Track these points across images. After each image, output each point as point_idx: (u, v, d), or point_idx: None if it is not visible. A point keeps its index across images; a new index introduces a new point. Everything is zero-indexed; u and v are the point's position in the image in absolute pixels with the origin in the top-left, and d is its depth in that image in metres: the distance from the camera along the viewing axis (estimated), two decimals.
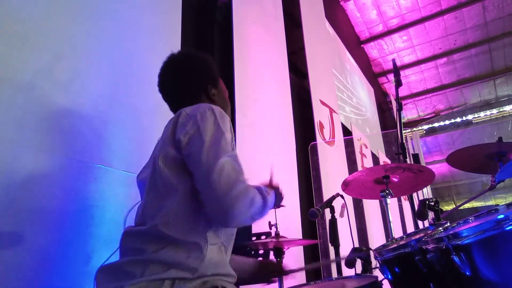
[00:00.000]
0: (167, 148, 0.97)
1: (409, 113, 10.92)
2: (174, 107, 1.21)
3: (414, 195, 2.33)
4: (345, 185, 1.86)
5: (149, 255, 0.87)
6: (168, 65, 1.21)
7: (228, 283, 0.94)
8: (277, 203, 1.15)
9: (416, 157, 2.55)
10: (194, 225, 0.91)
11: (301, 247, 2.96)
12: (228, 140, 0.97)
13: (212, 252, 0.92)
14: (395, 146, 2.21)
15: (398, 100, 2.17)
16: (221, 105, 1.22)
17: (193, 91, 1.18)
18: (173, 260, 0.86)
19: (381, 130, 7.76)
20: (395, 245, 1.28)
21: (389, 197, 1.77)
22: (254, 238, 1.74)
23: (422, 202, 1.43)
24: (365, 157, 5.34)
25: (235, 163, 0.93)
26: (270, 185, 1.14)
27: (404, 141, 2.13)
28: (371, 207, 4.85)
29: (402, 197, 6.13)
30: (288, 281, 1.74)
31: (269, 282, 1.37)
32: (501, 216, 0.88)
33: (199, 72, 1.21)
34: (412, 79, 9.62)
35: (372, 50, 8.80)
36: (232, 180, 0.88)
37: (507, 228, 0.85)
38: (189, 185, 0.94)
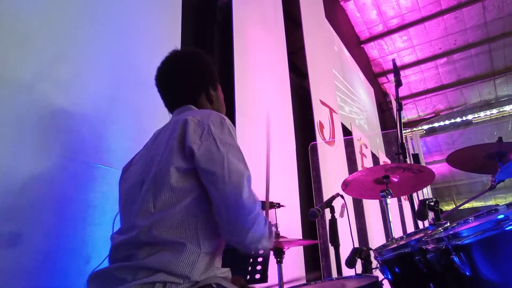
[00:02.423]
0: (177, 157, 0.94)
1: (409, 113, 10.92)
2: (170, 103, 1.18)
3: (414, 195, 2.33)
4: (345, 185, 1.86)
5: (139, 261, 0.87)
6: (172, 59, 1.18)
7: (221, 279, 0.94)
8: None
9: (416, 157, 2.55)
10: (190, 232, 0.91)
11: (301, 247, 2.96)
12: (243, 156, 0.98)
13: (204, 260, 0.91)
14: (395, 146, 2.21)
15: (398, 100, 2.17)
16: (218, 108, 1.22)
17: (194, 89, 1.17)
18: (163, 265, 0.85)
19: (381, 130, 7.76)
20: (395, 245, 1.28)
21: (389, 197, 1.77)
22: None
23: (422, 202, 1.43)
24: (365, 157, 5.34)
25: (250, 183, 0.94)
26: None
27: (404, 141, 2.13)
28: (371, 207, 4.85)
29: (402, 197, 6.13)
30: (288, 281, 1.75)
31: None
32: (501, 216, 0.88)
33: (203, 71, 1.19)
34: (412, 79, 9.62)
35: (372, 50, 8.79)
36: (253, 201, 0.92)
37: (507, 228, 0.86)
38: (194, 196, 0.93)
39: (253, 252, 1.59)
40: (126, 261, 0.89)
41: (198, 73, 1.18)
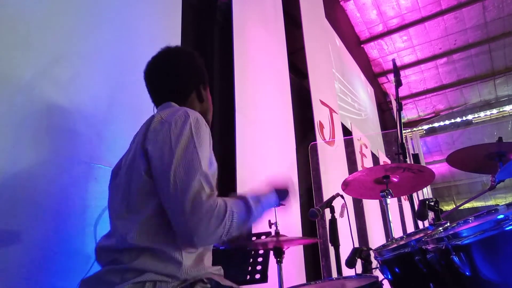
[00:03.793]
0: (140, 159, 0.92)
1: (409, 113, 10.91)
2: (158, 100, 1.17)
3: (414, 195, 2.33)
4: (345, 185, 1.86)
5: (126, 265, 0.86)
6: (166, 55, 1.18)
7: (213, 275, 0.94)
8: (283, 199, 1.18)
9: (416, 157, 2.55)
10: (164, 236, 0.89)
11: (301, 247, 2.96)
12: (201, 155, 0.90)
13: (189, 259, 0.90)
14: (395, 146, 2.21)
15: (398, 100, 2.17)
16: (207, 108, 1.22)
17: (185, 87, 1.16)
18: (149, 267, 0.85)
19: (381, 130, 7.76)
20: (395, 245, 1.28)
21: (389, 197, 1.77)
22: (254, 238, 1.74)
23: (422, 202, 1.43)
24: (365, 157, 5.33)
25: (205, 182, 0.87)
26: (275, 184, 1.14)
27: (404, 141, 2.13)
28: (371, 207, 4.85)
29: (402, 197, 6.13)
30: (288, 281, 1.75)
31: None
32: (501, 216, 0.88)
33: (197, 69, 1.20)
34: (412, 79, 9.61)
35: (372, 50, 8.79)
36: (198, 202, 0.83)
37: (507, 228, 0.85)
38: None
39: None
40: (113, 264, 0.89)
41: (193, 70, 1.18)
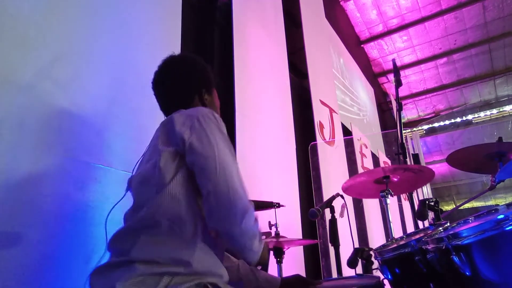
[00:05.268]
0: (165, 147, 0.96)
1: (409, 113, 10.92)
2: (165, 107, 1.22)
3: (414, 195, 2.33)
4: (345, 189, 1.87)
5: (137, 251, 0.88)
6: (166, 63, 1.23)
7: (219, 280, 0.94)
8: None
9: (416, 157, 2.55)
10: (189, 223, 0.92)
11: (301, 247, 2.96)
12: (232, 147, 0.98)
13: (203, 250, 0.92)
14: (395, 146, 2.21)
15: (398, 100, 2.16)
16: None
17: (187, 92, 1.20)
18: (165, 253, 0.87)
19: (381, 130, 7.76)
20: (395, 245, 1.28)
21: (389, 197, 1.77)
22: None
23: (422, 202, 1.43)
24: (365, 157, 5.33)
25: (239, 174, 0.94)
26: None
27: (404, 141, 2.12)
28: (371, 207, 4.85)
29: (402, 197, 6.13)
30: None
31: None
32: (501, 216, 0.88)
33: (196, 74, 1.23)
34: (412, 79, 9.61)
35: (372, 50, 8.79)
36: (243, 192, 0.90)
37: (507, 228, 0.86)
38: (182, 178, 0.94)
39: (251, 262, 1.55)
40: (122, 254, 0.93)
41: (191, 75, 1.22)
